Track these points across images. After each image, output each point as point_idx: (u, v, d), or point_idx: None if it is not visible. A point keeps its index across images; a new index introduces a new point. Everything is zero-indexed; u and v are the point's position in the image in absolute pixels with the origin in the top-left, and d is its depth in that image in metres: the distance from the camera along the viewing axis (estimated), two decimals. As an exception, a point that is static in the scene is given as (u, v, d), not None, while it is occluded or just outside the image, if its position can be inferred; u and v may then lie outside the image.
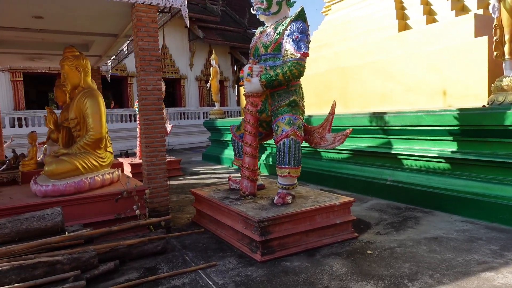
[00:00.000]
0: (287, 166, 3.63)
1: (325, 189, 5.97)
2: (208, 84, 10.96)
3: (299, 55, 3.58)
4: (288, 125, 3.64)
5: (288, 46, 3.64)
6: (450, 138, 4.50)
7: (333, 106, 3.82)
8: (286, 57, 3.66)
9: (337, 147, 6.27)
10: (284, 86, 3.80)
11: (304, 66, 3.66)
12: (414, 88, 5.63)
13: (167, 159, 8.44)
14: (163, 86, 8.25)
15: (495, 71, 4.70)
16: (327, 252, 3.33)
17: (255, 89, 3.78)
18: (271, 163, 7.88)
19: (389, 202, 5.05)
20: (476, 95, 4.92)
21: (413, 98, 5.66)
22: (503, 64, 4.16)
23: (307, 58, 3.68)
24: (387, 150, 5.29)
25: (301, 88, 3.93)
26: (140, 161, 8.22)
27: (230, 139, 9.96)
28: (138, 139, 8.67)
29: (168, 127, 8.38)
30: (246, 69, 3.86)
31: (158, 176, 3.91)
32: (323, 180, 6.37)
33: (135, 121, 14.70)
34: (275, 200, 3.60)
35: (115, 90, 18.63)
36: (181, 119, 16.52)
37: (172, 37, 17.66)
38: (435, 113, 4.54)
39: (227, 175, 8.30)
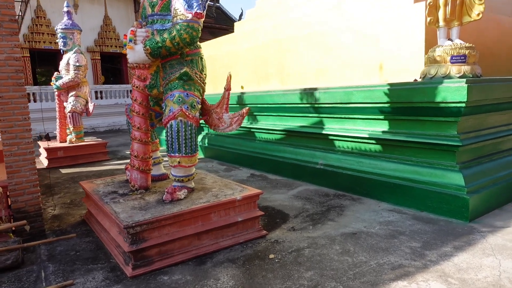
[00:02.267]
0: (176, 154, 2.96)
1: (256, 173, 5.42)
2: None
3: (190, 15, 2.87)
4: (177, 104, 2.94)
5: (178, 4, 2.91)
6: (381, 117, 3.99)
7: (228, 80, 3.17)
8: (175, 18, 2.93)
9: (270, 127, 5.73)
10: (177, 56, 3.09)
11: (198, 30, 2.95)
12: (351, 63, 5.07)
13: (90, 142, 7.57)
14: (83, 60, 7.25)
15: (433, 42, 4.19)
16: (222, 258, 2.73)
17: (139, 58, 3.04)
18: (206, 145, 7.20)
19: (318, 188, 4.55)
20: (412, 70, 4.41)
21: (350, 73, 5.11)
22: (437, 32, 3.65)
23: (202, 20, 2.97)
24: (319, 130, 4.74)
25: (202, 58, 3.23)
26: (60, 144, 7.29)
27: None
28: (57, 120, 7.67)
29: (91, 106, 7.45)
30: (128, 33, 3.09)
31: (22, 169, 3.12)
32: (255, 163, 5.79)
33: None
34: (164, 196, 2.94)
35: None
36: (127, 97, 15.35)
37: (115, 7, 16.18)
38: (365, 89, 4.00)
39: (166, 158, 7.57)
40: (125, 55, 3.25)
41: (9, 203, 3.17)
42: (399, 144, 3.84)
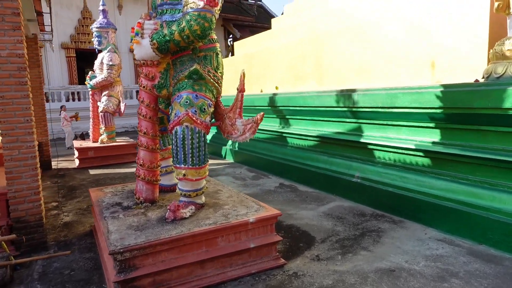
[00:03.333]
0: (182, 165, 2.56)
1: (286, 183, 4.93)
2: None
3: (201, 3, 2.48)
4: (184, 107, 2.54)
5: (188, -9, 2.52)
6: (432, 125, 3.34)
7: (242, 79, 2.70)
8: (186, 7, 2.55)
9: (302, 132, 5.21)
10: (189, 51, 2.70)
11: (210, 21, 2.54)
12: (397, 58, 4.42)
13: (120, 142, 7.41)
14: (116, 59, 7.16)
15: (500, 33, 3.45)
16: (227, 292, 2.30)
17: (146, 54, 2.70)
18: (236, 149, 6.82)
19: (353, 205, 3.97)
20: (473, 67, 3.67)
21: (396, 71, 4.45)
22: (507, 21, 2.94)
23: (216, 8, 2.57)
24: (357, 138, 4.16)
25: (218, 54, 2.81)
26: (92, 144, 7.26)
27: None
28: (91, 120, 7.67)
29: (122, 106, 7.35)
30: (135, 26, 2.76)
31: (23, 175, 2.89)
32: (286, 171, 5.30)
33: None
34: (166, 214, 2.56)
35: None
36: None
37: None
38: (412, 91, 3.37)
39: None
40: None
41: (9, 212, 2.96)
42: (453, 158, 3.18)
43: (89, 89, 7.46)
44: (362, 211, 3.75)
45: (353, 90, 4.04)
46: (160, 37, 2.59)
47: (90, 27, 7.39)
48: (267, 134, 6.03)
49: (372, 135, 4.00)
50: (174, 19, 2.67)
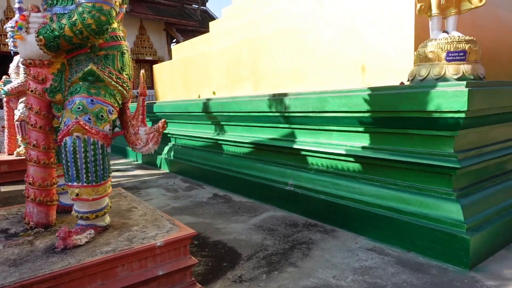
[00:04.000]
0: (74, 183, 2.16)
1: (220, 193, 4.63)
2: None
3: (96, -7, 2.11)
4: (75, 113, 2.15)
5: (80, -21, 2.14)
6: (361, 129, 3.23)
7: (141, 81, 2.37)
8: (78, -2, 2.17)
9: (237, 139, 4.96)
10: (86, 49, 2.32)
11: (108, 14, 2.17)
12: (330, 62, 4.33)
13: None
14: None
15: (425, 36, 3.45)
16: (127, 332, 1.94)
17: (32, 52, 2.27)
18: (172, 157, 6.40)
19: (287, 214, 3.77)
20: (401, 70, 3.66)
21: (329, 75, 4.36)
22: (429, 23, 2.91)
23: (114, 4, 2.20)
24: (289, 144, 3.97)
25: (123, 53, 2.44)
26: (6, 157, 6.43)
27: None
28: (5, 130, 6.82)
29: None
30: (19, 19, 2.32)
31: None
32: (221, 181, 5.00)
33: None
34: (57, 242, 2.14)
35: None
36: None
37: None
38: (341, 94, 3.24)
39: (128, 173, 6.81)
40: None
41: None
42: (382, 163, 3.08)
43: (3, 96, 6.64)
44: (295, 221, 3.56)
45: (285, 95, 3.86)
46: (48, 32, 2.18)
47: (5, 26, 6.60)
48: (203, 142, 5.71)
49: (304, 140, 3.84)
50: (66, 12, 2.28)
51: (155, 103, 6.96)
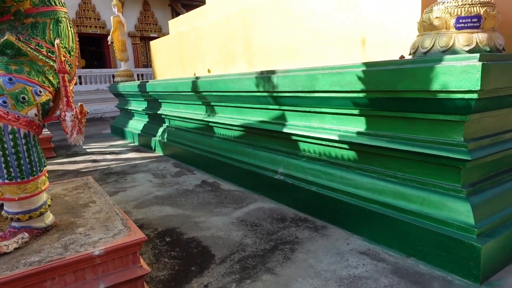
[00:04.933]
0: (-4, 181, 1.82)
1: (209, 180, 4.30)
2: (109, 38, 8.76)
3: None
4: (-8, 98, 1.78)
5: None
6: (356, 112, 2.79)
7: (58, 53, 1.94)
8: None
9: (227, 121, 4.57)
10: (9, 15, 1.93)
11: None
12: (327, 35, 3.83)
13: None
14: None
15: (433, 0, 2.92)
16: None
17: None
18: (165, 140, 6.07)
19: (276, 206, 3.40)
20: (406, 42, 3.15)
21: (326, 49, 3.87)
22: (438, -18, 2.39)
23: None
24: (279, 127, 3.56)
25: (59, 21, 2.03)
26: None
27: (134, 108, 8.01)
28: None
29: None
30: None
31: None
32: (211, 166, 4.65)
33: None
34: (-18, 250, 1.83)
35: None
36: (109, 82, 14.24)
37: (94, -16, 14.88)
38: (332, 71, 2.78)
39: (121, 156, 6.48)
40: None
41: None
42: (379, 152, 2.65)
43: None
44: (283, 214, 3.19)
45: (273, 72, 3.42)
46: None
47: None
48: (195, 124, 5.33)
49: (295, 124, 3.41)
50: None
51: (147, 82, 6.59)
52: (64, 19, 2.07)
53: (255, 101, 3.88)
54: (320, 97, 2.98)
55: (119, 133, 8.46)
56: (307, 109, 3.24)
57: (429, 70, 2.09)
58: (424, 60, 2.15)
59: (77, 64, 2.32)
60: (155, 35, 16.57)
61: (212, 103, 4.80)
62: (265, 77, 3.51)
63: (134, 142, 7.49)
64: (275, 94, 3.47)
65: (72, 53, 2.13)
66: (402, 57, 2.61)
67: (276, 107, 3.62)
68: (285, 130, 3.47)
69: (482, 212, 2.18)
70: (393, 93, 2.38)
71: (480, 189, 2.29)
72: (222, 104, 4.58)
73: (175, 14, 18.00)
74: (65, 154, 6.65)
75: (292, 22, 4.22)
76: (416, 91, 2.22)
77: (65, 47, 2.05)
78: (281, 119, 3.60)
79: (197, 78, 4.83)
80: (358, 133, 2.79)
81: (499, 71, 2.00)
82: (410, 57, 2.48)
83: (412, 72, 2.19)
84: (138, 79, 14.79)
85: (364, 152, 2.80)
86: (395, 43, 3.10)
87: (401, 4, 2.99)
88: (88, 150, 6.91)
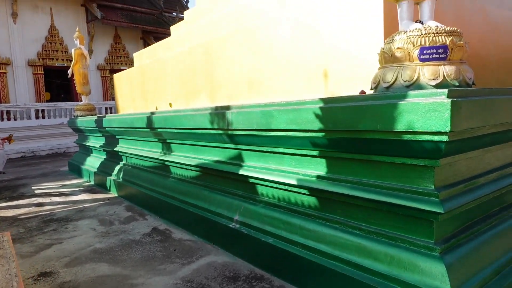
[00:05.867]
0: None
1: (160, 227, 3.82)
2: (69, 71, 8.33)
3: None
4: None
5: None
6: (315, 153, 2.46)
7: None
8: None
9: (182, 161, 4.15)
10: None
11: None
12: (290, 67, 3.58)
13: None
14: None
15: (396, 30, 2.70)
16: None
17: None
18: (121, 179, 5.55)
19: (230, 260, 2.95)
20: (370, 74, 2.90)
21: (290, 82, 3.61)
22: (398, 11, 2.16)
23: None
24: (235, 169, 3.18)
25: None
26: None
27: (92, 144, 7.45)
28: None
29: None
30: None
31: None
32: (164, 210, 4.18)
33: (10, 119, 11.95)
34: None
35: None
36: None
37: (62, 16, 14.58)
38: (288, 107, 2.47)
39: (70, 198, 5.79)
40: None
41: None
42: (341, 199, 2.30)
43: None
44: (237, 271, 2.74)
45: (227, 108, 3.09)
46: None
47: None
48: (151, 162, 4.89)
49: (252, 165, 3.05)
50: None
51: (104, 117, 6.14)
52: None
53: (211, 139, 3.51)
54: (277, 136, 2.64)
55: (76, 171, 7.84)
56: (264, 148, 2.89)
57: (392, 107, 1.80)
58: (386, 96, 1.86)
59: None
60: (125, 67, 16.25)
61: (168, 141, 4.40)
62: (220, 113, 3.17)
63: (89, 181, 6.90)
64: (230, 132, 3.12)
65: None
66: (362, 92, 2.34)
67: (232, 146, 3.26)
68: (241, 171, 3.10)
69: (459, 274, 1.83)
70: (353, 133, 2.06)
71: (456, 245, 1.95)
72: (178, 141, 4.19)
73: (147, 46, 17.87)
74: (9, 196, 5.98)
75: (256, 54, 3.96)
76: (379, 132, 1.91)
77: None
78: (238, 159, 3.23)
79: (152, 113, 4.45)
80: (318, 177, 2.44)
81: (470, 109, 1.73)
82: (371, 92, 2.21)
83: (373, 110, 1.89)
84: (107, 113, 14.26)
85: (325, 199, 2.44)
86: (359, 75, 2.84)
87: (362, 34, 2.76)
88: (36, 192, 6.27)
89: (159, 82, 6.22)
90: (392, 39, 2.03)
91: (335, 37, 3.01)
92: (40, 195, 5.97)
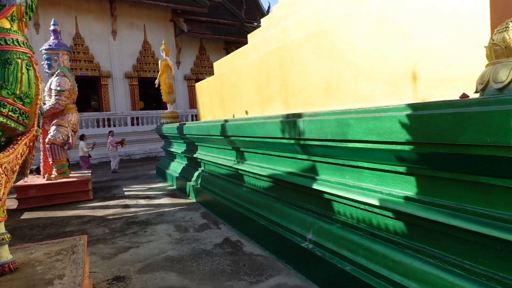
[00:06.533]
0: None
1: (232, 239, 3.77)
2: (156, 81, 8.87)
3: None
4: None
5: None
6: (402, 169, 2.07)
7: None
8: None
9: (255, 170, 4.00)
10: None
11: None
12: (370, 70, 3.19)
13: (69, 179, 6.21)
14: (66, 84, 6.28)
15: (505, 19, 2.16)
16: None
17: None
18: (199, 186, 5.64)
19: (302, 283, 2.68)
20: (473, 74, 2.38)
21: (368, 87, 3.21)
22: (515, -9, 1.68)
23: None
24: (309, 182, 2.90)
25: (9, 63, 1.69)
26: (36, 181, 6.27)
27: (175, 150, 7.78)
28: (41, 153, 6.72)
29: (72, 138, 6.38)
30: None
31: None
32: (238, 220, 4.07)
33: (110, 125, 13.27)
34: None
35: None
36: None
37: (154, 32, 15.82)
38: (367, 115, 2.13)
39: (153, 201, 6.08)
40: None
41: None
42: (437, 228, 1.88)
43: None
44: (308, 299, 2.46)
45: (299, 115, 2.83)
46: None
47: (40, 49, 6.57)
48: (226, 170, 4.85)
49: (327, 179, 2.74)
50: None
51: (185, 124, 6.35)
52: (18, 60, 1.73)
53: (282, 148, 3.29)
54: (354, 147, 2.31)
55: (162, 175, 8.29)
56: (340, 161, 2.56)
57: (508, 115, 1.36)
58: (499, 100, 1.43)
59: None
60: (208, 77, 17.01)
61: (242, 149, 4.30)
62: (291, 121, 2.93)
63: (172, 186, 7.20)
64: (302, 142, 2.86)
65: (27, 100, 1.77)
66: (464, 95, 1.89)
67: (305, 157, 2.99)
68: (315, 186, 2.81)
69: None
70: (453, 148, 1.65)
71: None
72: (251, 150, 4.06)
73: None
74: (103, 197, 6.52)
75: (331, 57, 3.65)
76: (489, 146, 1.48)
77: (13, 93, 1.69)
78: (311, 172, 2.95)
79: (225, 121, 4.40)
80: (406, 198, 2.05)
81: None
82: (477, 95, 1.76)
83: (481, 118, 1.47)
84: (192, 120, 15.05)
85: (415, 225, 2.03)
86: (458, 76, 2.36)
87: (461, 21, 2.28)
88: (125, 193, 6.73)
89: (235, 89, 6.22)
90: (506, 27, 1.57)
91: (425, 32, 2.56)
92: (128, 196, 6.38)
